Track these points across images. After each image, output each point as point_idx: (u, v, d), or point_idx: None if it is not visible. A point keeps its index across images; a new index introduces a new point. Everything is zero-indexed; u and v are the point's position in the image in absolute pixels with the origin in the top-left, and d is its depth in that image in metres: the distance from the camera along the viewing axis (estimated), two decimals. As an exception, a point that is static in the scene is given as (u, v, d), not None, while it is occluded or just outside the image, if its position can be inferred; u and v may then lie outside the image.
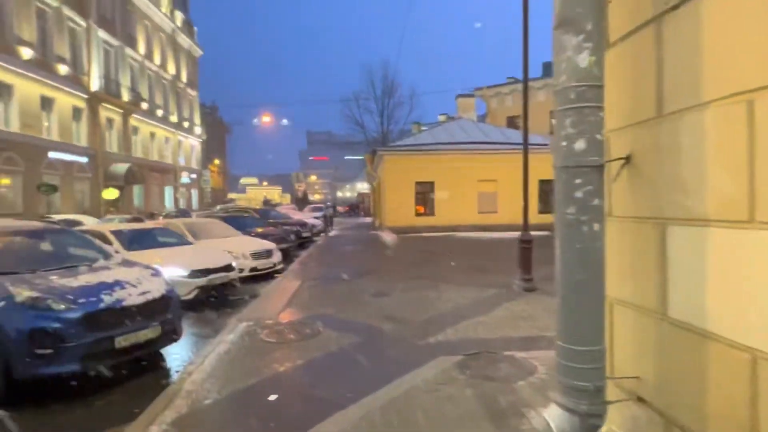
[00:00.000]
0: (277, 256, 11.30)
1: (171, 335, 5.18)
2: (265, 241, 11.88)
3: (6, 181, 20.66)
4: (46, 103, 23.26)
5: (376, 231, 23.36)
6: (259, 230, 14.18)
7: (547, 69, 35.75)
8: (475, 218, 22.03)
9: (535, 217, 22.72)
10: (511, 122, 33.08)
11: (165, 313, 5.05)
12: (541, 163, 25.49)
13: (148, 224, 11.12)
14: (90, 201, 26.39)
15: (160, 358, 5.33)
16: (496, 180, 22.26)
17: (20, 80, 21.14)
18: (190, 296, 7.85)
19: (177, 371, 4.92)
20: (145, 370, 4.97)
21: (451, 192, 21.95)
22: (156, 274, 5.40)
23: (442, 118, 40.72)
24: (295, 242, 15.24)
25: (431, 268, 11.04)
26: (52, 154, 23.18)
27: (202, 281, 8.00)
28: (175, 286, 7.72)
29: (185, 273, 7.89)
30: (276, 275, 10.81)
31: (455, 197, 21.91)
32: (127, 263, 5.70)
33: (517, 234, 8.50)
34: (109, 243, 8.19)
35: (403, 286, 8.71)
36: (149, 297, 4.90)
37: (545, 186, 22.93)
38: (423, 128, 35.56)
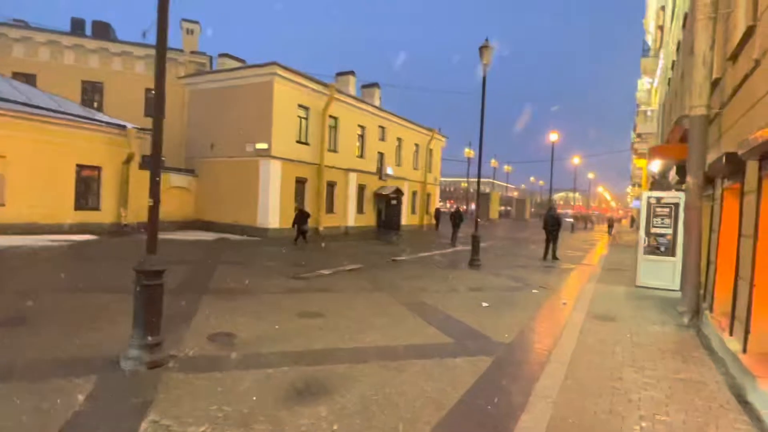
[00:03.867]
0: None
1: None
2: None
3: None
4: None
5: None
6: None
7: (77, 24, 28.00)
8: (-38, 213, 13.80)
9: (70, 216, 16.72)
10: (24, 80, 23.46)
11: None
12: (80, 142, 19.32)
13: None
14: None
15: None
16: (4, 156, 14.73)
17: None
18: None
19: None
20: None
21: None
22: None
23: None
24: None
25: None
26: None
27: None
28: None
29: None
30: None
31: None
32: None
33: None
34: None
35: None
36: None
37: (85, 172, 17.09)
38: None
